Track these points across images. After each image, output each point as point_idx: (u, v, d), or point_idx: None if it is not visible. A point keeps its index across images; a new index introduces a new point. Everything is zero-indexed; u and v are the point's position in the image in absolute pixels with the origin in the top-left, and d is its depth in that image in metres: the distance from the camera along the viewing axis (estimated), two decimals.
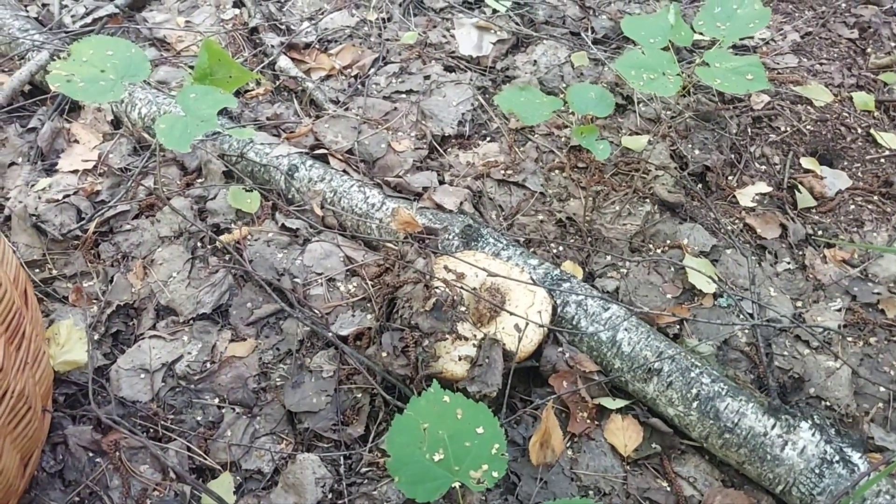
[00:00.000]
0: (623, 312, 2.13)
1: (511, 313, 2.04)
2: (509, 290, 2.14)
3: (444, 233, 2.28)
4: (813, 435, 1.89)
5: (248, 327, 2.26)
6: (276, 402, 2.10)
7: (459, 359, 1.97)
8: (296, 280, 2.33)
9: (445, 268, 2.16)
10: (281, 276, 2.34)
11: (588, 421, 2.06)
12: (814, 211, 2.65)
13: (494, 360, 1.97)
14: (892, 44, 3.26)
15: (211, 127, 1.99)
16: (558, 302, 2.17)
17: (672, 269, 2.37)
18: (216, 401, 2.11)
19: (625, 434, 2.02)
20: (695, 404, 1.97)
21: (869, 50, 3.26)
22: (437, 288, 2.02)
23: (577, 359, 2.10)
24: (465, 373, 1.97)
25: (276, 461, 1.98)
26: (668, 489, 1.96)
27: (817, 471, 1.85)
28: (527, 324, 2.02)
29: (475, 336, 2.01)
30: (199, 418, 2.07)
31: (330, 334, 2.11)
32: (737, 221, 2.57)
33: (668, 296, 2.31)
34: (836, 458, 1.86)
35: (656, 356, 2.03)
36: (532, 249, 2.42)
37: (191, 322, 2.25)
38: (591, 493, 1.94)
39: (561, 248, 2.43)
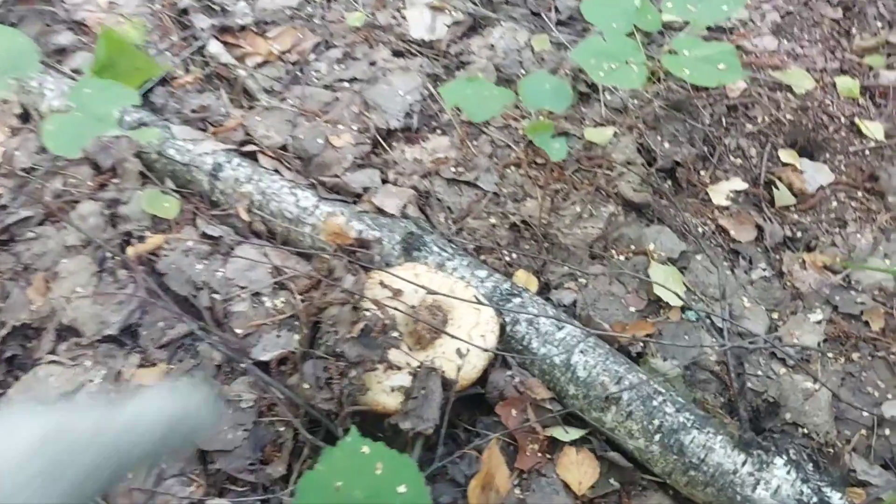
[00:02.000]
0: (580, 332, 1.90)
1: (452, 336, 1.80)
2: (452, 307, 1.90)
3: (379, 245, 2.03)
4: (788, 472, 1.68)
5: (160, 350, 2.01)
6: None
7: (392, 390, 1.74)
8: (215, 295, 2.07)
9: (381, 284, 1.92)
10: (199, 290, 2.09)
11: (539, 455, 1.83)
12: (793, 209, 2.42)
13: (432, 391, 1.73)
14: (879, 24, 3.02)
15: (108, 128, 1.71)
16: (507, 320, 1.93)
17: (636, 278, 2.14)
18: None
19: (579, 469, 1.80)
20: (657, 437, 1.75)
21: (854, 30, 3.02)
22: (366, 310, 1.78)
23: (527, 384, 1.87)
24: (398, 405, 1.73)
25: None
26: None
27: None
28: (468, 349, 1.78)
29: (410, 364, 1.77)
30: None
31: (245, 363, 1.86)
32: (708, 222, 2.34)
33: (632, 309, 2.08)
34: (814, 499, 1.64)
35: (615, 382, 1.81)
36: (482, 257, 2.18)
37: (95, 345, 1.99)
38: None
39: (514, 256, 2.19)
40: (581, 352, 1.85)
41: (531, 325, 1.91)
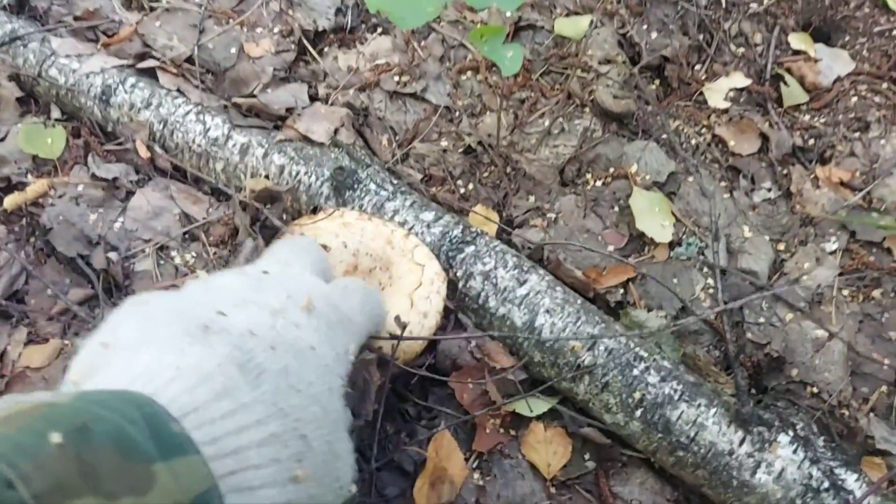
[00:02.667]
0: (546, 283, 1.57)
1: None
2: (391, 263, 1.56)
3: (290, 196, 1.66)
4: (795, 452, 1.40)
5: (51, 323, 1.69)
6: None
7: None
8: (112, 254, 1.73)
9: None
10: (94, 246, 1.74)
11: (501, 432, 1.55)
12: (804, 109, 2.04)
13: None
14: None
15: None
16: (459, 274, 1.60)
17: (615, 209, 1.79)
18: None
19: (548, 448, 1.52)
20: (638, 412, 1.46)
21: None
22: None
23: (485, 350, 1.57)
24: None
25: None
26: None
27: (799, 501, 1.37)
28: (408, 320, 1.46)
29: None
30: None
31: None
32: (703, 133, 1.96)
33: (611, 247, 1.74)
34: (825, 483, 1.38)
35: (587, 347, 1.50)
36: (433, 190, 1.82)
37: None
38: None
39: (471, 186, 1.83)
40: (547, 311, 1.53)
41: (488, 280, 1.58)
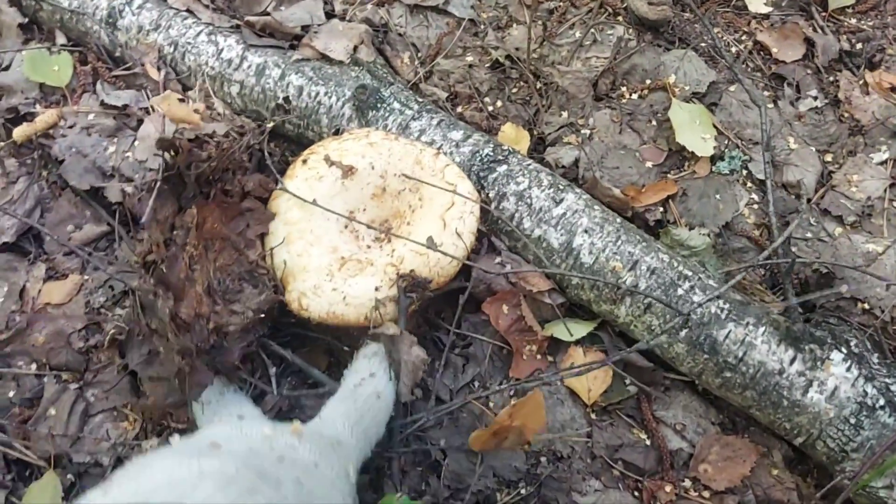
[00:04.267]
0: (583, 202, 1.50)
1: (416, 242, 1.41)
2: (420, 186, 1.49)
3: (254, 132, 1.55)
4: (848, 370, 1.35)
5: (69, 258, 1.64)
6: (114, 364, 1.53)
7: (347, 300, 1.38)
8: (129, 184, 1.66)
9: (326, 159, 1.49)
10: (109, 178, 1.67)
11: (538, 358, 1.50)
12: (850, 12, 1.91)
13: (397, 361, 1.37)
14: None
15: None
16: (491, 195, 1.52)
17: (653, 123, 1.70)
18: (33, 367, 1.54)
19: (588, 374, 1.47)
20: (683, 333, 1.40)
21: None
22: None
23: (520, 274, 1.50)
24: (361, 318, 1.38)
25: (117, 450, 1.46)
26: (648, 443, 1.45)
27: (853, 420, 1.32)
28: (441, 242, 1.39)
29: (371, 262, 1.40)
30: (11, 394, 1.52)
31: None
32: (744, 39, 1.85)
33: (649, 164, 1.65)
34: (881, 401, 1.32)
35: (629, 267, 1.43)
36: (459, 109, 1.73)
37: None
38: (542, 459, 1.43)
39: (499, 104, 1.74)
40: (585, 231, 1.46)
41: (522, 200, 1.50)
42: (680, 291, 1.41)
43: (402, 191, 1.51)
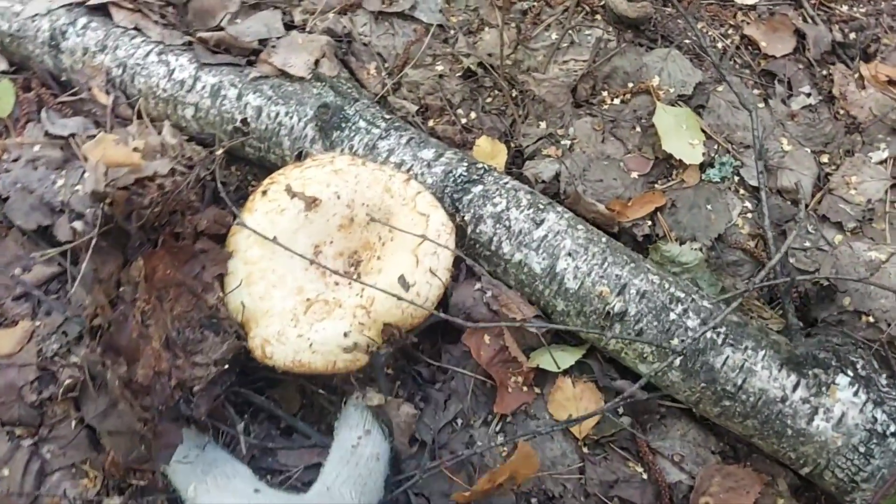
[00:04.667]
0: (565, 222, 1.40)
1: (385, 291, 1.30)
2: (390, 214, 1.38)
3: (202, 165, 1.44)
4: (856, 394, 1.26)
5: (18, 303, 1.53)
6: (71, 417, 1.43)
7: (314, 347, 1.28)
8: (79, 221, 1.55)
9: (288, 190, 1.38)
10: (58, 214, 1.56)
11: (524, 391, 1.41)
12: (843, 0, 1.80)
13: (378, 363, 1.28)
14: None
15: None
16: (467, 218, 1.42)
17: (638, 129, 1.59)
18: None
19: (578, 406, 1.38)
20: (678, 361, 1.31)
21: None
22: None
23: (502, 301, 1.41)
24: (327, 365, 1.28)
25: None
26: (645, 476, 1.36)
27: (863, 448, 1.24)
28: (414, 281, 1.29)
29: (338, 302, 1.30)
30: None
31: None
32: (731, 34, 1.74)
33: (634, 174, 1.55)
34: (892, 427, 1.24)
35: (616, 291, 1.33)
36: (431, 123, 1.62)
37: None
38: (533, 501, 1.34)
39: (473, 116, 1.63)
40: (569, 253, 1.36)
41: (499, 222, 1.40)
42: (672, 316, 1.31)
43: (372, 221, 1.40)
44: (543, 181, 1.53)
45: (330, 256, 1.40)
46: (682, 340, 1.29)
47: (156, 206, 1.34)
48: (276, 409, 1.37)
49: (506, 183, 1.44)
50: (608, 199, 1.51)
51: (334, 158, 1.43)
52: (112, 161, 1.31)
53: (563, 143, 1.56)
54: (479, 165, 1.46)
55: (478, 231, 1.41)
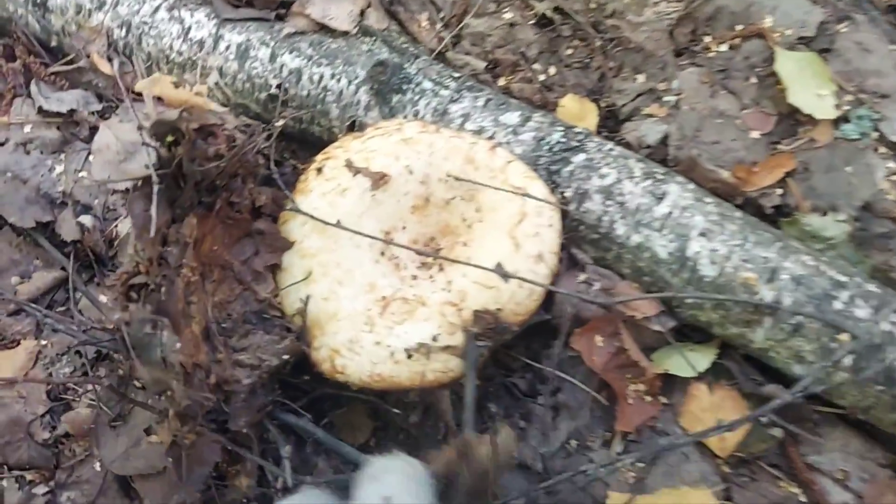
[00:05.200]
0: (691, 195, 1.14)
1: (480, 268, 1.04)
2: (475, 190, 1.12)
3: (257, 129, 1.17)
4: None
5: (18, 318, 1.26)
6: (95, 456, 1.17)
7: (395, 355, 1.02)
8: (87, 215, 1.27)
9: (349, 166, 1.11)
10: (59, 207, 1.29)
11: (649, 402, 1.15)
12: None
13: (470, 360, 1.01)
14: None
15: None
16: (568, 194, 1.16)
17: (753, 80, 1.33)
18: None
19: (717, 416, 1.13)
20: (848, 360, 1.05)
21: None
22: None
23: (616, 293, 1.15)
24: (411, 378, 1.03)
25: None
26: (803, 499, 1.11)
27: None
28: (516, 269, 1.03)
29: (421, 299, 1.04)
30: None
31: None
32: None
33: (754, 134, 1.30)
34: None
35: (766, 278, 1.08)
36: (503, 82, 1.35)
37: None
38: None
39: (553, 71, 1.37)
40: (702, 234, 1.10)
41: (610, 198, 1.14)
42: (837, 305, 1.06)
43: (452, 199, 1.14)
44: (648, 146, 1.27)
45: (413, 246, 1.13)
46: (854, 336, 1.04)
47: (222, 162, 1.06)
48: (324, 435, 1.10)
49: (610, 150, 1.18)
50: (728, 165, 1.25)
51: (402, 125, 1.16)
52: (173, 99, 1.04)
53: (666, 99, 1.30)
54: (577, 130, 1.20)
55: (582, 210, 1.15)
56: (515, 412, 1.18)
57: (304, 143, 1.36)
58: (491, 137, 1.19)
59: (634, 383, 1.15)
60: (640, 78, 1.32)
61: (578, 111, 1.31)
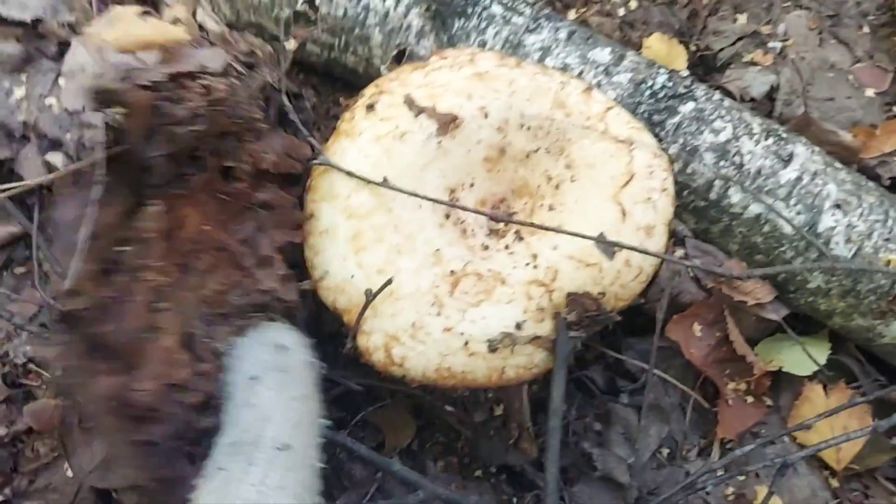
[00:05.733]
0: (821, 159, 0.94)
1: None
2: (566, 141, 0.89)
3: (269, 59, 0.94)
4: None
5: None
6: (63, 458, 0.92)
7: (473, 346, 0.81)
8: (56, 150, 1.01)
9: (409, 103, 0.88)
10: (20, 142, 1.01)
11: (750, 403, 0.97)
12: None
13: (560, 354, 0.81)
14: None
15: None
16: (673, 151, 0.95)
17: (865, 29, 1.14)
18: None
19: (835, 423, 0.95)
20: None
21: None
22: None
23: (726, 278, 0.95)
24: (487, 375, 0.82)
25: None
26: None
27: None
28: (617, 247, 0.82)
29: (499, 276, 0.83)
30: None
31: None
32: None
33: (869, 92, 1.11)
34: None
35: None
36: (573, 14, 1.13)
37: None
38: None
39: (633, 5, 1.15)
40: (836, 205, 0.91)
41: (725, 158, 0.93)
42: None
43: (535, 152, 0.91)
44: (752, 98, 1.06)
45: (470, 207, 0.91)
46: None
47: (199, 123, 0.82)
48: (373, 454, 0.88)
49: (721, 100, 0.97)
50: (843, 126, 1.06)
51: (475, 56, 0.92)
52: (133, 41, 0.78)
53: (771, 45, 1.10)
54: (683, 74, 0.98)
55: (689, 171, 0.94)
56: (590, 412, 0.99)
57: (328, 79, 1.11)
58: (582, 79, 0.97)
59: (734, 381, 0.96)
60: (741, 18, 1.12)
61: (666, 54, 1.10)
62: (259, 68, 0.90)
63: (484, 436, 0.94)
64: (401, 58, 1.03)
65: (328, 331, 0.99)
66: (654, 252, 0.82)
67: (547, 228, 0.84)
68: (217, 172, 0.88)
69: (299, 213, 0.89)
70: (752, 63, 1.09)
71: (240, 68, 0.88)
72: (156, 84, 0.79)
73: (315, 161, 0.88)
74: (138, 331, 0.78)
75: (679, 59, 1.11)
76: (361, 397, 0.98)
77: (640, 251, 0.82)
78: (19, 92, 1.03)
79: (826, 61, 1.10)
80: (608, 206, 0.86)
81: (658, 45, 1.11)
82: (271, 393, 0.74)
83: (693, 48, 1.13)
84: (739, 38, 1.11)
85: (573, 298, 0.83)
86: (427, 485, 0.87)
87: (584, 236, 0.82)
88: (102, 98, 0.78)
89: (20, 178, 1.01)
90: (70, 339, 0.76)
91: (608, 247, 0.83)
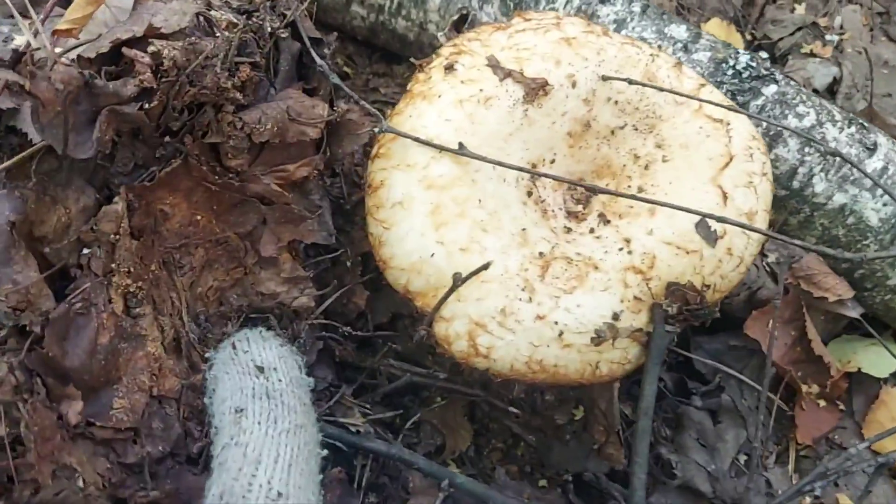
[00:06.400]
0: None
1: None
2: (658, 119, 0.82)
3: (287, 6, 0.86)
4: None
5: None
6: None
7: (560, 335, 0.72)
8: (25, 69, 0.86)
9: (493, 64, 0.78)
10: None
11: (824, 406, 0.92)
12: None
13: (655, 349, 0.73)
14: None
15: None
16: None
17: None
18: None
19: None
20: None
21: None
22: None
23: (800, 268, 0.90)
24: (585, 369, 0.73)
25: None
26: None
27: None
28: (720, 227, 0.75)
29: (594, 261, 0.74)
30: None
31: None
32: None
33: None
34: None
35: None
36: None
37: None
38: None
39: None
40: None
41: (810, 145, 0.88)
42: None
43: (622, 128, 0.84)
44: (815, 90, 1.03)
45: (548, 185, 0.82)
46: None
47: (149, 98, 0.71)
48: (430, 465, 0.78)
49: (799, 86, 0.92)
50: None
51: (561, 20, 0.84)
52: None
53: (829, 38, 1.07)
54: (764, 56, 0.94)
55: (770, 157, 0.89)
56: (658, 414, 0.91)
57: (366, 48, 1.01)
58: (666, 52, 0.90)
59: (814, 380, 0.91)
60: (800, 9, 1.09)
61: (724, 40, 1.05)
62: (259, 13, 0.79)
63: (559, 440, 0.85)
64: (461, 23, 0.93)
65: (377, 322, 0.89)
66: (779, 236, 0.75)
67: (675, 206, 0.75)
68: (202, 154, 0.76)
69: (299, 211, 0.80)
70: (812, 54, 1.06)
71: (228, 15, 0.77)
72: (87, 60, 0.68)
73: (382, 129, 0.77)
74: (104, 350, 0.68)
75: (736, 45, 1.06)
76: (410, 397, 0.87)
77: (764, 232, 0.76)
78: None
79: (880, 58, 1.08)
80: (708, 188, 0.79)
81: (716, 31, 1.06)
82: (259, 428, 0.68)
83: (749, 36, 1.09)
84: (798, 29, 1.08)
85: (675, 289, 0.75)
86: (495, 496, 0.77)
87: (705, 214, 0.74)
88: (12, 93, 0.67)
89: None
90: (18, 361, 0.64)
91: (710, 233, 0.76)
